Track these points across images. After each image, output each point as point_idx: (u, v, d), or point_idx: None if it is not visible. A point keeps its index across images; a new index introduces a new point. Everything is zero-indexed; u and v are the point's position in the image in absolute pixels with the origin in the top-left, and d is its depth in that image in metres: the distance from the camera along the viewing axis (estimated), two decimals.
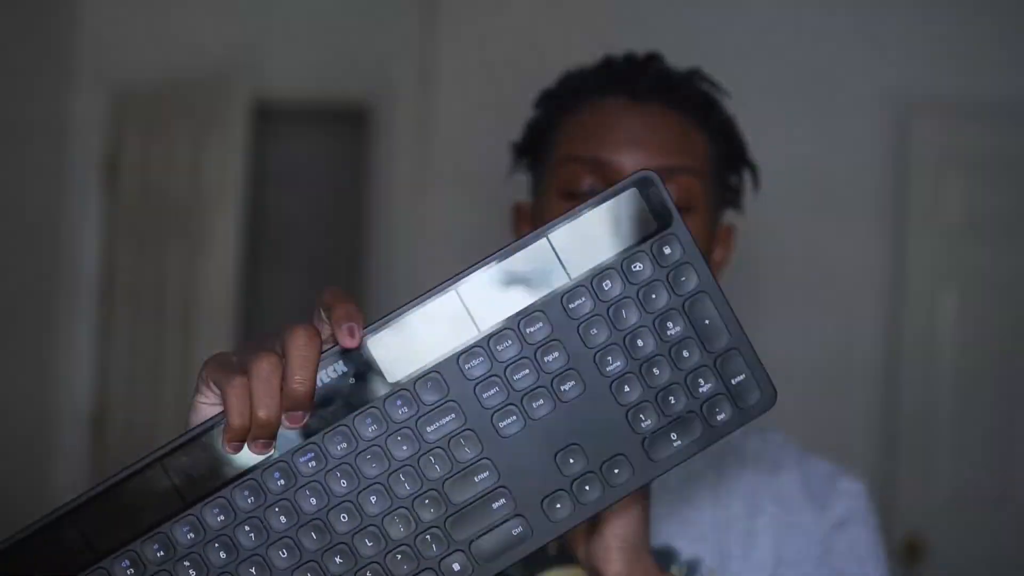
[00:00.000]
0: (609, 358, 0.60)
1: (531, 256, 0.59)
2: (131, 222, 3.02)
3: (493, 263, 0.59)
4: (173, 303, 2.86)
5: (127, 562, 0.58)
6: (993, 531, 2.58)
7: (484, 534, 0.60)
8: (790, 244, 2.64)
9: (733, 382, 0.61)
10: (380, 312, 0.62)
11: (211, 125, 2.82)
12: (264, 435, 0.57)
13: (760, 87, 2.67)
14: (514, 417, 0.60)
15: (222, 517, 0.58)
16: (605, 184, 0.88)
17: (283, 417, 0.56)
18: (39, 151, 3.01)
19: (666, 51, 0.98)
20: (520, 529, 0.60)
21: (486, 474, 0.60)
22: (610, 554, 0.71)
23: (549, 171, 0.93)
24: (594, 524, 0.72)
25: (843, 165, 2.73)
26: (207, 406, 0.59)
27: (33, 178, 2.99)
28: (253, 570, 0.58)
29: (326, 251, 3.96)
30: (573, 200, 0.89)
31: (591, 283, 0.60)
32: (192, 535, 0.58)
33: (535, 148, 0.97)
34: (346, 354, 0.59)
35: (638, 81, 0.92)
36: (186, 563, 0.58)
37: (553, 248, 0.60)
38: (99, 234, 3.06)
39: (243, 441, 0.57)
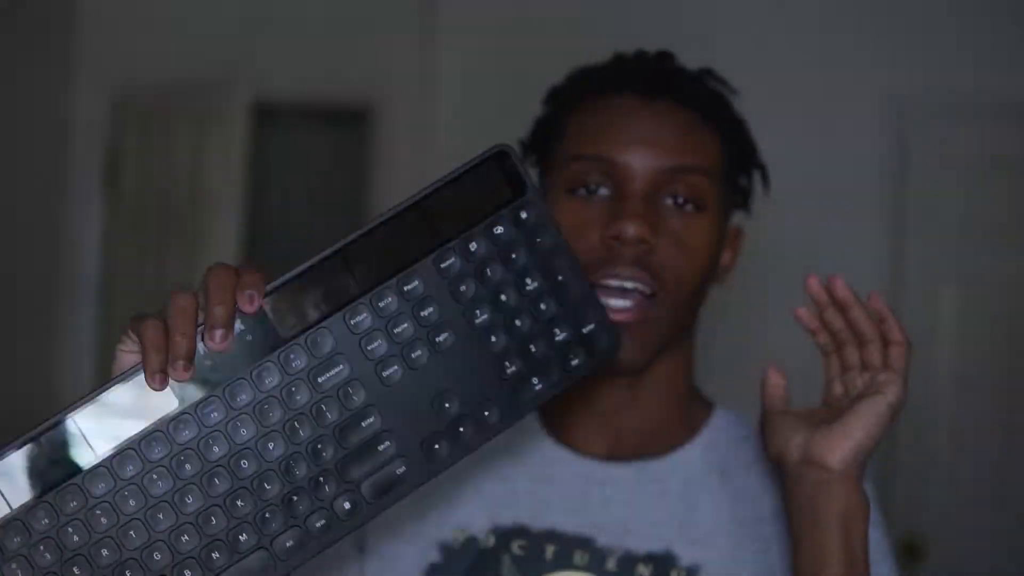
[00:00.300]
0: (478, 311, 0.67)
1: (406, 223, 0.66)
2: (131, 222, 3.02)
3: (374, 229, 0.65)
4: None
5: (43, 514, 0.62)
6: (992, 531, 2.58)
7: (372, 475, 0.65)
8: (790, 245, 2.64)
9: (584, 331, 0.68)
10: None
11: (211, 125, 2.82)
12: (182, 356, 0.61)
13: (759, 88, 2.67)
14: (396, 367, 0.66)
15: (131, 467, 0.62)
16: (613, 184, 0.88)
17: (206, 337, 0.62)
18: (40, 151, 3.01)
19: (667, 50, 0.98)
20: (403, 469, 0.66)
21: (372, 419, 0.65)
22: (845, 443, 0.77)
23: (557, 169, 0.92)
24: (821, 425, 0.78)
25: (842, 166, 2.73)
26: (126, 354, 0.64)
27: (34, 178, 2.99)
28: (161, 516, 0.63)
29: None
30: (580, 198, 0.89)
31: (459, 245, 0.66)
32: (104, 485, 0.62)
33: (543, 145, 0.96)
34: (245, 315, 0.64)
35: (649, 78, 0.91)
36: (98, 511, 0.62)
37: (425, 215, 0.66)
38: (100, 234, 3.07)
39: (164, 371, 0.61)
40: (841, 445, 0.77)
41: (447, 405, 0.66)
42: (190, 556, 0.63)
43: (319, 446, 0.65)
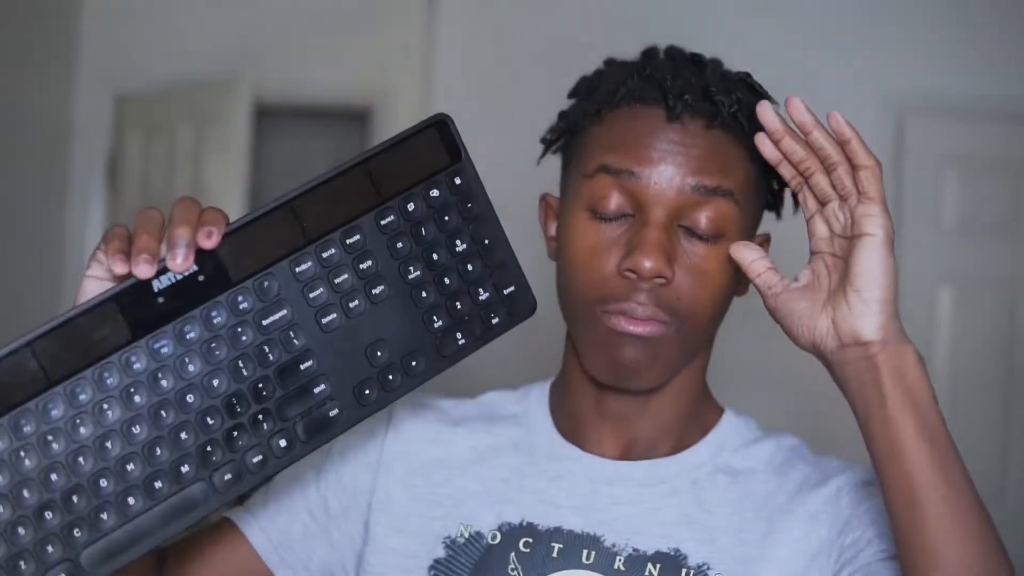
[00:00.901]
0: (411, 267, 0.71)
1: (352, 180, 0.70)
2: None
3: (322, 184, 0.69)
4: None
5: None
6: None
7: (307, 416, 0.69)
8: (789, 245, 2.65)
9: (505, 292, 0.73)
10: None
11: (212, 125, 2.83)
12: (145, 250, 0.65)
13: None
14: (335, 314, 0.70)
15: (85, 395, 0.65)
16: (634, 205, 0.85)
17: (168, 256, 0.66)
18: (42, 151, 3.02)
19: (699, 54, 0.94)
20: (336, 411, 0.70)
21: (310, 363, 0.70)
22: (870, 309, 0.75)
23: (579, 179, 0.89)
24: (836, 297, 0.77)
25: None
26: (91, 279, 0.68)
27: (36, 177, 3.00)
28: (110, 444, 0.66)
29: None
30: (599, 220, 0.86)
31: (399, 204, 0.71)
32: (58, 411, 0.65)
33: (568, 141, 0.94)
34: (200, 256, 0.67)
35: (679, 96, 0.86)
36: (50, 437, 0.65)
37: (369, 174, 0.70)
38: (101, 232, 3.07)
39: (126, 254, 0.66)
40: (866, 314, 0.75)
41: (379, 354, 0.71)
42: (135, 484, 0.66)
43: (260, 385, 0.69)
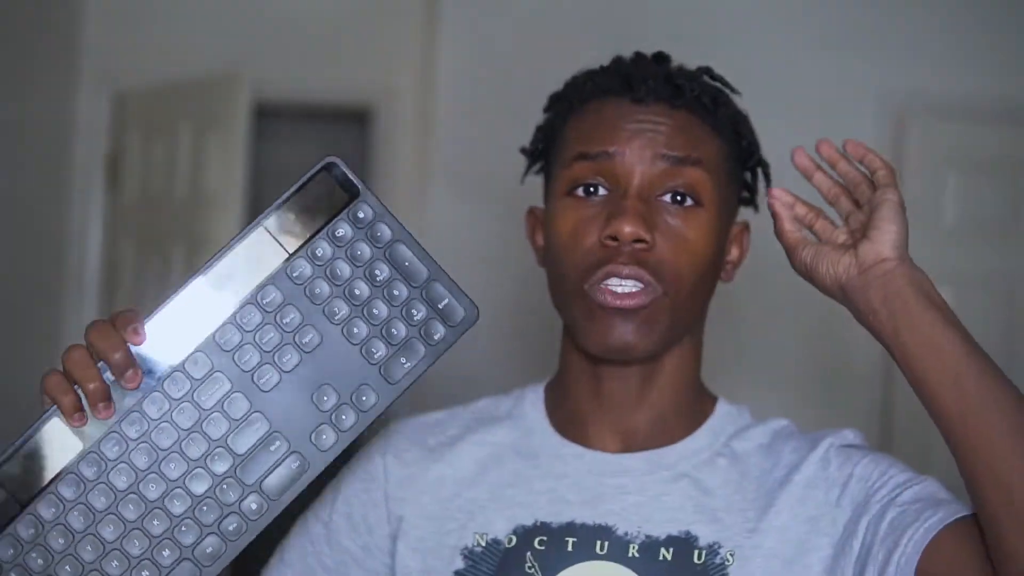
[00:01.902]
0: (335, 308, 0.73)
1: (254, 243, 0.72)
2: (133, 221, 3.03)
3: (227, 253, 0.72)
4: None
5: None
6: None
7: (270, 474, 0.71)
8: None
9: (440, 306, 0.74)
10: None
11: (212, 125, 2.83)
12: (100, 398, 0.69)
13: (757, 89, 2.68)
14: (270, 373, 0.72)
15: (54, 509, 0.69)
16: (610, 182, 0.90)
17: (93, 410, 0.70)
18: (43, 150, 3.02)
19: (664, 51, 0.99)
20: (298, 463, 0.72)
21: (259, 424, 0.71)
22: (888, 237, 0.82)
23: (557, 173, 0.94)
24: (858, 240, 0.84)
25: None
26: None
27: (37, 177, 3.00)
28: (89, 548, 0.69)
29: None
30: (578, 199, 0.91)
31: (307, 252, 0.73)
32: (29, 531, 0.69)
33: (545, 152, 0.99)
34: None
35: (642, 84, 0.92)
36: (33, 554, 0.69)
37: (270, 232, 0.72)
38: (102, 232, 3.08)
39: (81, 410, 0.70)
40: (885, 238, 0.82)
41: (325, 398, 0.72)
42: None
43: (214, 459, 0.71)
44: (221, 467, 0.71)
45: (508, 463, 0.96)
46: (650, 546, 0.89)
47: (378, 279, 0.73)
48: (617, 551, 0.89)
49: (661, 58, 0.98)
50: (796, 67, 2.74)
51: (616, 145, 0.90)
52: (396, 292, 0.73)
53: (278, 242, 0.72)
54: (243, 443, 0.71)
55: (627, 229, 0.87)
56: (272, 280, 0.72)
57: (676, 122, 0.91)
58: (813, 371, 2.69)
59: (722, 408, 0.98)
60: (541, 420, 0.98)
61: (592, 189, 0.91)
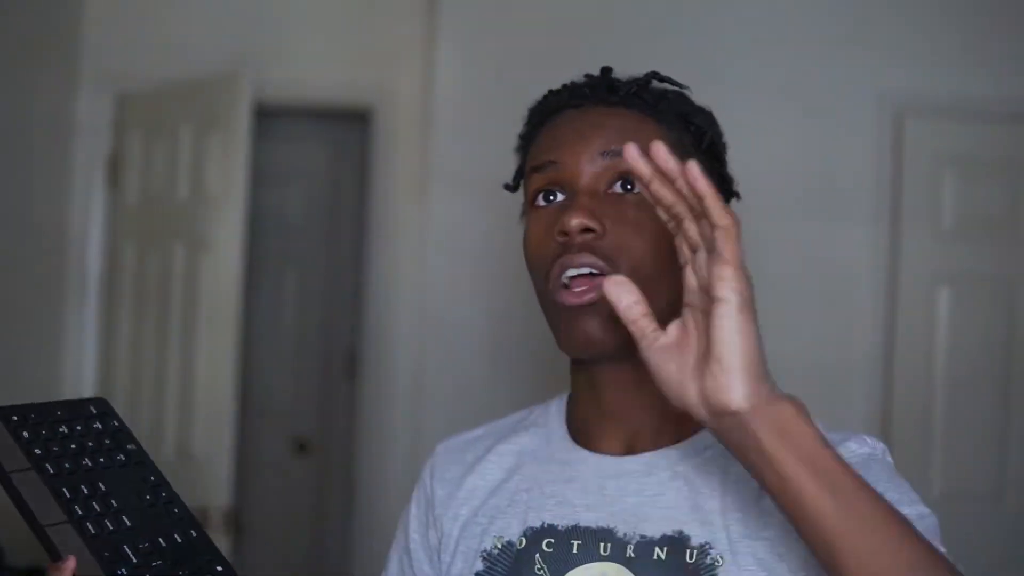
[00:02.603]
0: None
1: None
2: (134, 221, 3.03)
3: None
4: (175, 301, 2.87)
5: None
6: (986, 529, 2.60)
7: None
8: (786, 246, 2.66)
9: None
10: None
11: (213, 125, 2.83)
12: None
13: (756, 90, 2.69)
14: None
15: None
16: (563, 186, 0.95)
17: None
18: (44, 151, 3.02)
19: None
20: None
21: None
22: (733, 379, 0.71)
23: (525, 187, 1.00)
24: (702, 365, 0.72)
25: (838, 167, 2.75)
26: None
27: (38, 177, 3.00)
28: None
29: (326, 251, 3.97)
30: (540, 208, 0.96)
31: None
32: None
33: (520, 171, 1.05)
34: None
35: (581, 91, 0.99)
36: None
37: None
38: (103, 232, 3.08)
39: None
40: (731, 385, 0.71)
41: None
42: None
43: None
44: None
45: (525, 469, 1.00)
46: (646, 546, 0.91)
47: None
48: (617, 552, 0.91)
49: (605, 70, 1.02)
50: (796, 67, 2.74)
51: (558, 153, 0.95)
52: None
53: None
54: None
55: (573, 221, 0.90)
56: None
57: (615, 120, 0.95)
58: (813, 371, 2.69)
59: None
60: (559, 427, 1.02)
61: (552, 197, 0.95)
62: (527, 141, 1.03)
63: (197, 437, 2.78)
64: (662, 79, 1.01)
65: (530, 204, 0.98)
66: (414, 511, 1.06)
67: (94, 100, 3.05)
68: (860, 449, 0.92)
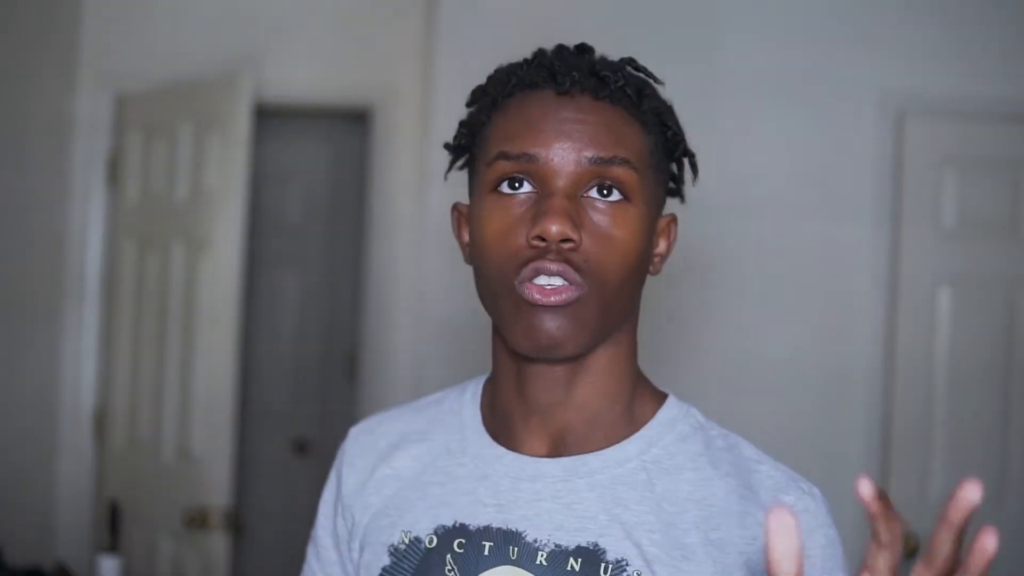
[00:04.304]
0: None
1: None
2: (134, 221, 3.03)
3: None
4: (175, 302, 2.87)
5: None
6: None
7: None
8: (786, 246, 2.66)
9: None
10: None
11: (213, 125, 2.83)
12: None
13: (756, 90, 2.69)
14: None
15: None
16: (536, 181, 0.88)
17: None
18: (43, 151, 3.02)
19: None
20: None
21: None
22: None
23: (482, 169, 0.92)
24: None
25: (838, 167, 2.75)
26: None
27: (37, 177, 3.00)
28: None
29: (326, 251, 3.97)
30: (504, 196, 0.89)
31: None
32: None
33: (469, 147, 0.97)
34: None
35: (566, 75, 0.90)
36: None
37: None
38: (102, 232, 3.08)
39: None
40: None
41: None
42: None
43: None
44: None
45: (439, 462, 0.96)
46: (559, 555, 0.87)
47: None
48: (526, 558, 0.88)
49: (584, 49, 0.96)
50: (796, 67, 2.74)
51: (539, 147, 0.88)
52: None
53: None
54: None
55: (554, 229, 0.85)
56: None
57: (600, 117, 0.89)
58: (813, 371, 2.69)
59: (666, 413, 0.95)
60: (474, 418, 0.98)
61: (517, 184, 0.89)
62: (487, 111, 0.95)
63: (197, 437, 2.78)
64: (637, 68, 0.96)
65: (487, 187, 0.90)
66: (325, 496, 1.04)
67: (93, 100, 3.05)
68: (798, 504, 0.86)
